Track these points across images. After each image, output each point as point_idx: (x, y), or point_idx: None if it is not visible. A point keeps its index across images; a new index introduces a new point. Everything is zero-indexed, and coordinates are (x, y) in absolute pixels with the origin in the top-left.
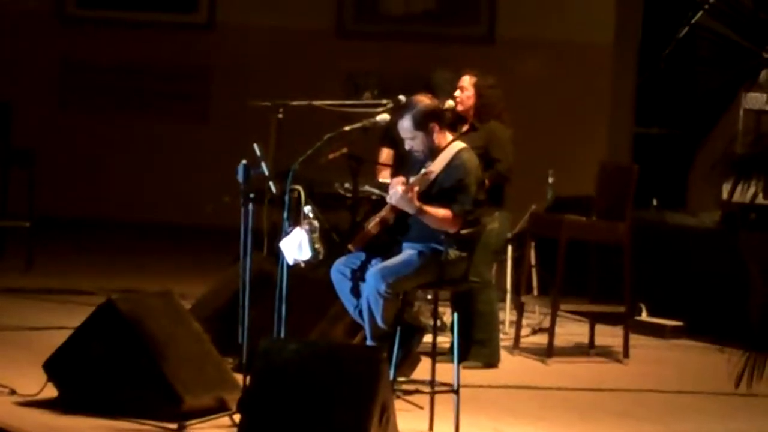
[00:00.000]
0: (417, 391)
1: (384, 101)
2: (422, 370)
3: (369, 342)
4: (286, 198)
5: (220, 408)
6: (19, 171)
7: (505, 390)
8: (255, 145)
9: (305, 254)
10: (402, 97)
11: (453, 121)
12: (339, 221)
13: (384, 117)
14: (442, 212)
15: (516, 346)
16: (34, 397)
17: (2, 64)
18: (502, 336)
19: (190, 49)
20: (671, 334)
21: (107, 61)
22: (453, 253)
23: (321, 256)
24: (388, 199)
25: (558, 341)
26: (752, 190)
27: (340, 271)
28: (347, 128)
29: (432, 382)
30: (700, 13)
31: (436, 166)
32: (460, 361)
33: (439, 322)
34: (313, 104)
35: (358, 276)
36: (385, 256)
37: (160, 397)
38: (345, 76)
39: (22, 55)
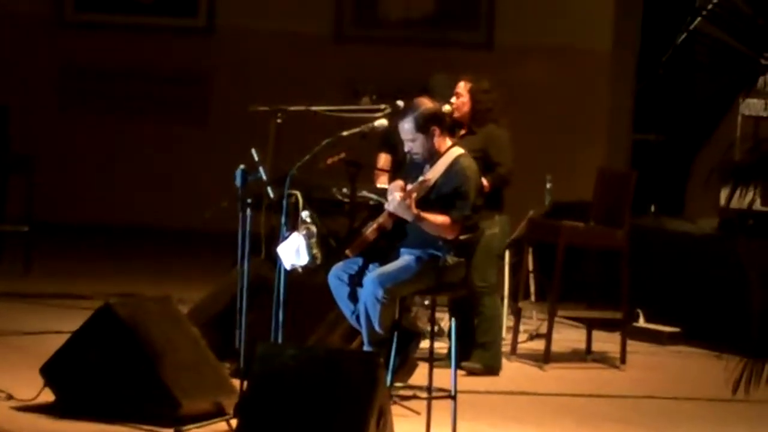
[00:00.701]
0: (414, 397)
1: (382, 106)
2: (419, 375)
3: (366, 347)
4: (284, 203)
5: (218, 413)
6: (18, 176)
7: (502, 396)
8: (253, 150)
9: (303, 259)
10: (400, 103)
11: (451, 126)
12: (337, 226)
13: (382, 122)
14: (441, 219)
15: (513, 352)
16: (32, 401)
17: (1, 69)
18: None
19: (189, 54)
20: (668, 341)
21: (106, 65)
22: (451, 258)
23: (318, 262)
24: (386, 206)
25: (555, 347)
26: (750, 196)
27: (337, 277)
28: (345, 133)
29: (429, 388)
30: (699, 19)
31: (435, 172)
32: (458, 365)
33: (436, 328)
34: (312, 109)
35: (355, 281)
36: (383, 262)
37: (157, 402)
38: (344, 81)
39: (21, 60)
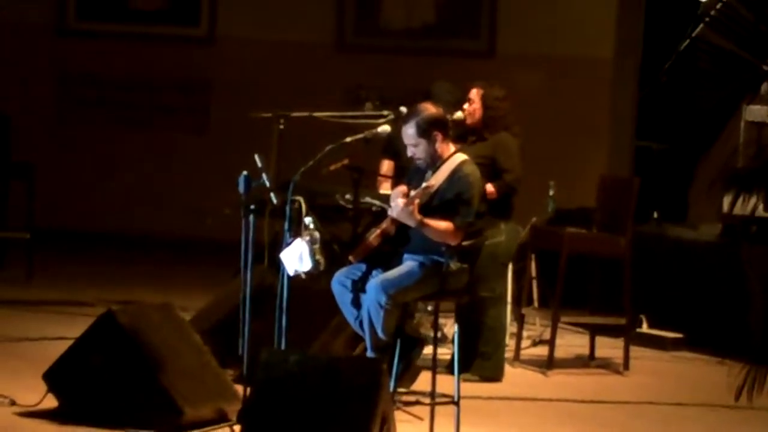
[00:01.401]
0: (417, 403)
1: (385, 112)
2: (423, 381)
3: (369, 353)
4: (287, 209)
5: (220, 419)
6: (19, 183)
7: (506, 401)
8: (256, 156)
9: (306, 265)
10: (403, 108)
11: (462, 134)
12: (340, 232)
13: (385, 128)
14: (444, 225)
15: (516, 358)
16: (34, 407)
17: (1, 77)
18: None
19: (190, 63)
20: (671, 347)
21: (107, 74)
22: (454, 264)
23: (322, 268)
24: (389, 212)
25: (558, 353)
26: (753, 202)
27: (341, 283)
28: (348, 139)
29: (432, 394)
30: (701, 26)
31: (438, 178)
32: (461, 372)
33: (439, 334)
34: (314, 115)
35: (358, 287)
36: (386, 268)
37: (160, 409)
38: (345, 90)
39: (22, 68)
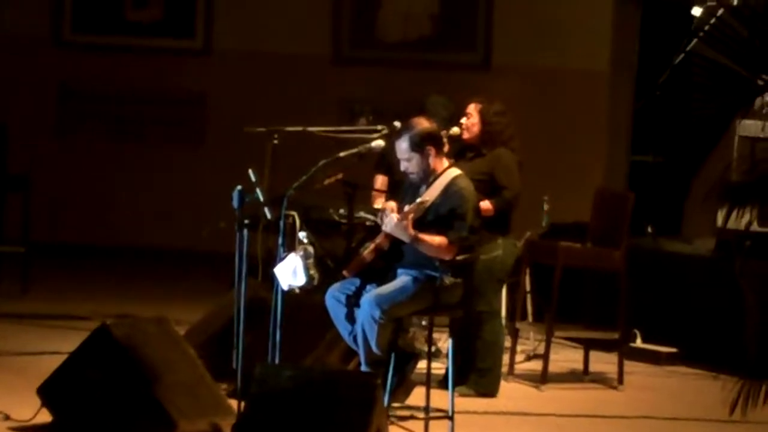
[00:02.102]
0: (412, 417)
1: (379, 127)
2: (417, 395)
3: (364, 368)
4: (281, 224)
5: None
6: (15, 196)
7: (500, 416)
8: (250, 171)
9: (300, 280)
10: (397, 123)
11: (460, 150)
12: (334, 247)
13: (379, 143)
14: (438, 240)
15: (511, 372)
16: (29, 422)
17: None
18: None
19: (186, 75)
20: (666, 361)
21: (103, 86)
22: (448, 279)
23: (316, 282)
24: (383, 227)
25: (552, 367)
26: (747, 217)
27: (334, 297)
28: (342, 154)
29: (427, 408)
30: (695, 40)
31: (432, 193)
32: (455, 386)
33: (434, 348)
34: (308, 130)
35: (352, 302)
36: (380, 282)
37: (154, 422)
38: (341, 102)
39: (18, 81)
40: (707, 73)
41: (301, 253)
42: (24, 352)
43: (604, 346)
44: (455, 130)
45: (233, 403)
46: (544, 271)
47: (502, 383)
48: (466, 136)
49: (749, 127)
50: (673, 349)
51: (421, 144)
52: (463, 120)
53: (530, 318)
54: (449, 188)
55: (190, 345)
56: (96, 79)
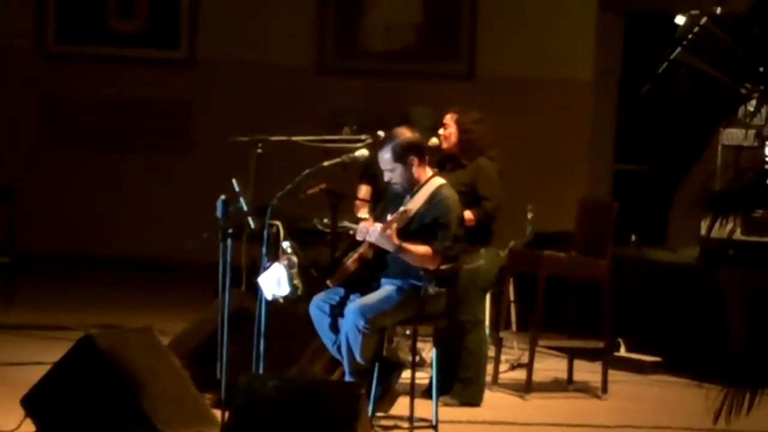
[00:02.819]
0: (396, 427)
1: (363, 137)
2: (401, 405)
3: (348, 378)
4: (265, 233)
5: None
6: (0, 207)
7: (484, 426)
8: (234, 181)
9: (284, 290)
10: (381, 133)
11: (440, 161)
12: (318, 257)
13: (363, 153)
14: (422, 249)
15: (495, 382)
16: None
17: None
18: None
19: (171, 86)
20: (650, 370)
21: (88, 97)
22: (432, 288)
23: (300, 292)
24: (367, 238)
25: (537, 377)
26: (731, 226)
27: (319, 307)
28: (326, 164)
29: (411, 418)
30: (679, 49)
31: (416, 203)
32: (439, 396)
33: (418, 358)
34: (293, 140)
35: (337, 312)
36: (364, 292)
37: None
38: (325, 112)
39: (2, 91)
40: (691, 81)
41: (285, 262)
42: (8, 363)
43: (589, 355)
44: (434, 141)
45: (217, 413)
46: (528, 281)
47: (486, 393)
48: (445, 146)
49: (733, 135)
50: (657, 358)
51: (404, 154)
52: (441, 131)
53: (514, 327)
54: (433, 198)
55: (174, 355)
56: (81, 89)
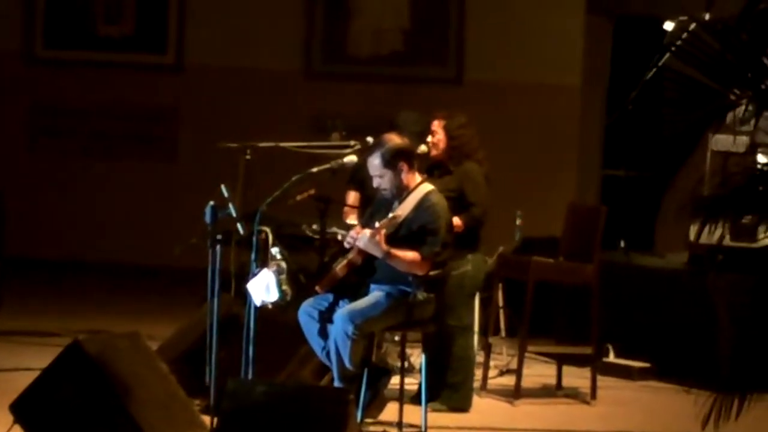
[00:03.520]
0: None
1: (351, 143)
2: (390, 411)
3: (337, 383)
4: (254, 239)
5: None
6: None
7: (473, 431)
8: (222, 186)
9: (273, 296)
10: (370, 139)
11: (428, 168)
12: (307, 262)
13: (351, 158)
14: (411, 255)
15: (483, 388)
16: None
17: None
18: None
19: (158, 91)
20: (639, 376)
21: (76, 102)
22: (421, 294)
23: (288, 298)
24: (356, 244)
25: (525, 382)
26: (719, 231)
27: (307, 313)
28: (315, 169)
29: (400, 424)
30: (668, 54)
31: (404, 208)
32: (428, 402)
33: (406, 364)
34: (281, 145)
35: (325, 317)
36: (353, 298)
37: None
38: (313, 117)
39: None
40: (679, 87)
41: (274, 268)
42: None
43: (577, 361)
44: (423, 148)
45: (206, 418)
46: (516, 286)
47: (475, 398)
48: (434, 153)
49: (721, 141)
50: (646, 364)
51: (393, 160)
52: (429, 138)
53: (503, 333)
54: (422, 204)
55: (162, 360)
56: (68, 94)
